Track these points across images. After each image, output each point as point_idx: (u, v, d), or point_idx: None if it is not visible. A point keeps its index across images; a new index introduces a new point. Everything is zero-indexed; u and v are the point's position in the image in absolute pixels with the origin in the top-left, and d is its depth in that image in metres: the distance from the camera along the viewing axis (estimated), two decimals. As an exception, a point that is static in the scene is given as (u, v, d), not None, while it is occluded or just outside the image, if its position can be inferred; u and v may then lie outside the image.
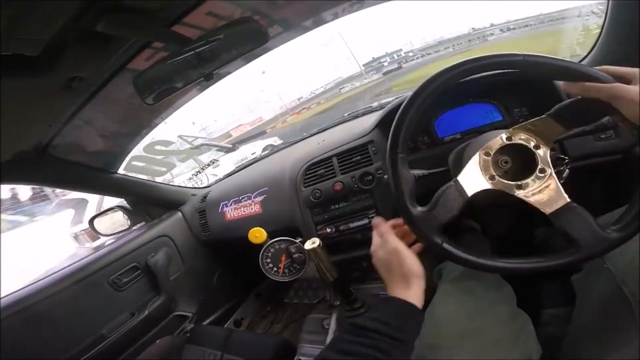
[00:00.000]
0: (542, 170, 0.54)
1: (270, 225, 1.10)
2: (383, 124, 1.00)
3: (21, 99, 0.67)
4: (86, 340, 1.07)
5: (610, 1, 0.79)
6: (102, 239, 1.82)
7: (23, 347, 0.97)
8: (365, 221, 1.01)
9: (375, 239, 0.67)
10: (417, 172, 0.80)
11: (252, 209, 1.22)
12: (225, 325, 1.55)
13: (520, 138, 0.56)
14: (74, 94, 0.75)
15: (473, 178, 0.56)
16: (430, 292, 0.78)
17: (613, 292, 0.56)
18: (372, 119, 1.07)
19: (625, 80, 0.49)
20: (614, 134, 0.76)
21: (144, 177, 1.38)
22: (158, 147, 1.63)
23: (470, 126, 0.93)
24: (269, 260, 1.07)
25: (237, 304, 1.65)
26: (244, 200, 1.24)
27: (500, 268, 0.55)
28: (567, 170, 0.65)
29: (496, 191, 0.56)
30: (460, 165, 0.75)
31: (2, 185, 0.95)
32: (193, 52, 0.72)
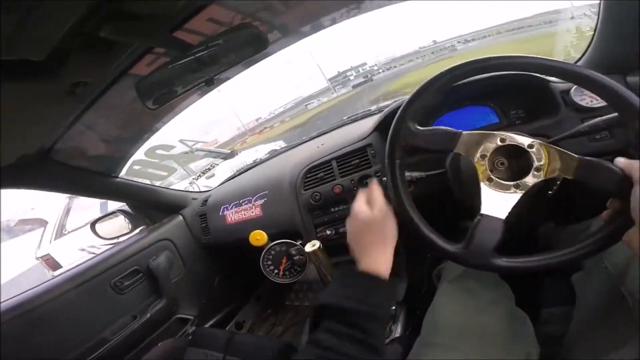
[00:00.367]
0: (517, 187, 0.55)
1: (270, 228, 1.12)
2: (381, 127, 1.02)
3: (25, 103, 0.68)
4: (88, 343, 1.08)
5: (602, 1, 0.79)
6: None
7: (24, 350, 0.97)
8: None
9: (361, 202, 0.66)
10: (415, 174, 0.81)
11: (252, 212, 1.23)
12: (227, 328, 1.55)
13: (537, 153, 0.55)
14: (77, 99, 0.77)
15: (471, 144, 0.58)
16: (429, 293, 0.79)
17: (611, 291, 0.57)
18: (370, 123, 1.08)
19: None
20: (608, 134, 0.78)
21: (146, 181, 1.38)
22: (159, 152, 1.64)
23: (467, 128, 0.93)
24: (269, 262, 1.08)
25: (238, 307, 1.65)
26: (245, 204, 1.25)
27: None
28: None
29: (471, 170, 0.58)
30: (458, 174, 0.77)
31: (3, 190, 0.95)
32: (194, 57, 0.74)
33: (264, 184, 1.24)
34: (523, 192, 0.54)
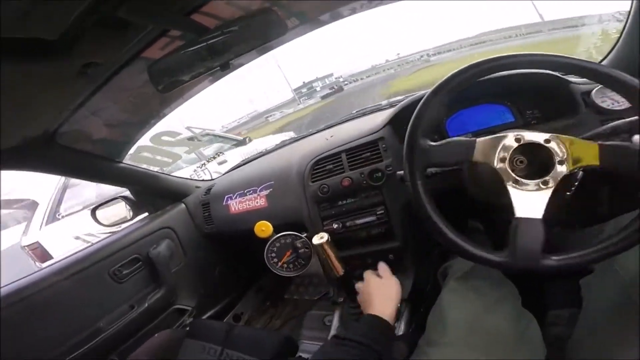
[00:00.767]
0: (545, 183, 0.54)
1: (275, 219, 1.10)
2: (395, 121, 1.01)
3: (33, 83, 0.66)
4: (83, 332, 1.07)
5: (635, 1, 0.78)
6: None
7: (20, 338, 0.96)
8: (373, 218, 1.02)
9: (372, 273, 0.93)
10: (430, 169, 0.81)
11: (257, 202, 1.22)
12: (225, 320, 1.55)
13: (555, 146, 0.55)
14: (87, 81, 0.75)
15: (487, 149, 0.58)
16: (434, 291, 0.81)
17: (621, 296, 0.57)
18: (381, 117, 1.07)
19: None
20: (629, 138, 0.78)
21: (149, 168, 1.37)
22: (165, 138, 1.62)
23: (481, 126, 0.94)
24: (274, 254, 1.08)
25: (237, 299, 1.65)
26: (250, 194, 1.24)
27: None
28: (580, 172, 0.65)
29: (494, 175, 0.57)
30: (475, 170, 0.77)
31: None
32: (210, 41, 0.73)
33: (270, 174, 1.23)
34: (553, 187, 0.54)
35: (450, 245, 0.60)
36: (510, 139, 0.57)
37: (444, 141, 0.60)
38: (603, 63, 0.91)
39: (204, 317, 1.47)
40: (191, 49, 0.74)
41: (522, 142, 0.56)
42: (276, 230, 1.07)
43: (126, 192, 1.36)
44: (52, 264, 1.10)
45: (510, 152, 0.57)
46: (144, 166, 1.31)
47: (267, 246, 1.04)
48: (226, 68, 0.75)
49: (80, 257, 1.13)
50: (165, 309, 1.30)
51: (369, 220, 1.03)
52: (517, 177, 0.55)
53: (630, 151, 0.52)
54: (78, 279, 1.09)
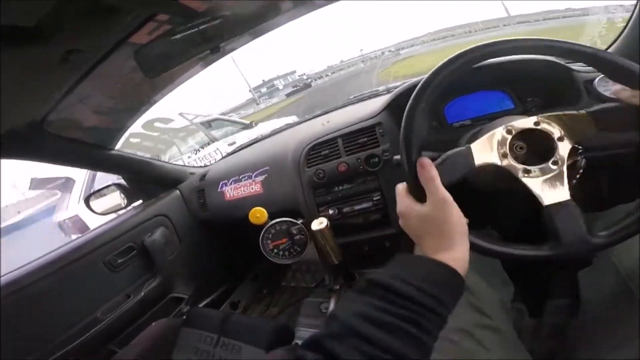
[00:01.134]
0: (555, 163, 0.53)
1: (270, 205, 1.10)
2: (392, 107, 1.00)
3: (16, 71, 0.64)
4: (80, 323, 1.07)
5: None
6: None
7: (15, 329, 0.96)
8: (369, 204, 1.02)
9: (403, 196, 0.57)
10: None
11: (252, 188, 1.21)
12: (221, 308, 1.55)
13: (548, 126, 0.54)
14: (71, 68, 0.73)
15: (485, 150, 0.55)
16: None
17: (619, 288, 0.57)
18: (379, 102, 1.06)
19: None
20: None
21: (142, 154, 1.37)
22: (157, 125, 1.61)
23: (480, 113, 0.93)
24: (269, 241, 1.08)
25: (234, 287, 1.65)
26: (244, 180, 1.23)
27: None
28: (584, 160, 0.64)
29: (502, 172, 0.55)
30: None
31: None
32: (199, 25, 0.72)
33: (265, 159, 1.22)
34: (565, 165, 0.53)
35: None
36: (500, 134, 0.55)
37: (439, 160, 0.56)
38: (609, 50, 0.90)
39: (201, 305, 1.47)
40: (180, 33, 0.73)
41: (513, 132, 0.55)
42: (272, 216, 1.08)
43: (120, 180, 1.35)
44: (46, 255, 1.10)
45: (508, 144, 0.55)
46: (138, 153, 1.31)
47: (262, 233, 1.04)
48: (217, 52, 0.74)
49: (75, 246, 1.13)
50: (162, 298, 1.30)
51: (365, 207, 1.03)
52: (527, 167, 0.54)
53: (619, 107, 0.52)
54: (73, 269, 1.08)
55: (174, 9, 0.70)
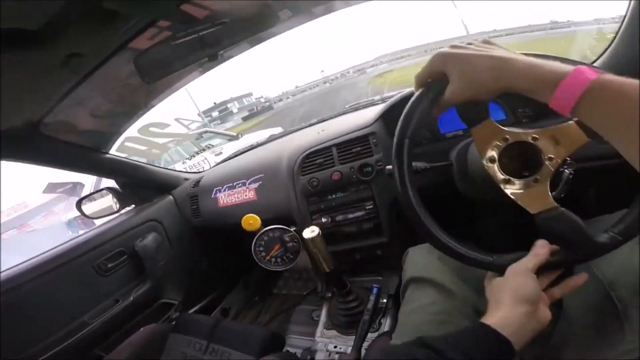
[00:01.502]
0: (537, 180, 0.54)
1: (264, 212, 1.11)
2: (386, 117, 1.02)
3: (16, 73, 0.66)
4: (67, 326, 1.07)
5: (632, 1, 0.78)
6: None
7: (3, 331, 0.95)
8: (362, 212, 1.04)
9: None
10: (420, 164, 0.83)
11: (246, 195, 1.22)
12: (212, 315, 1.55)
13: (544, 143, 0.55)
14: (70, 71, 0.75)
15: (480, 145, 0.56)
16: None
17: (601, 297, 0.58)
18: (373, 112, 1.09)
19: None
20: None
21: (137, 159, 1.38)
22: (153, 129, 1.62)
23: None
24: (262, 248, 1.09)
25: (225, 293, 1.65)
26: (238, 187, 1.24)
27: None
28: (567, 172, 0.65)
29: (487, 180, 0.56)
30: (464, 164, 0.79)
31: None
32: (199, 32, 0.74)
33: (260, 167, 1.24)
34: (547, 182, 0.54)
35: (457, 257, 0.57)
36: (500, 137, 0.56)
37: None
38: (596, 63, 0.93)
39: (191, 311, 1.47)
40: (180, 39, 0.75)
41: (509, 140, 0.56)
42: (265, 223, 1.08)
43: (113, 184, 1.35)
44: (36, 257, 1.09)
45: (499, 152, 0.56)
46: (132, 158, 1.31)
47: (254, 239, 1.05)
48: (215, 59, 0.76)
49: (65, 249, 1.13)
50: (151, 303, 1.30)
51: (358, 215, 1.05)
52: (509, 178, 0.55)
53: None
54: (62, 272, 1.08)
55: (174, 15, 0.73)
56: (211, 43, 0.75)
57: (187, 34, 0.76)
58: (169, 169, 1.53)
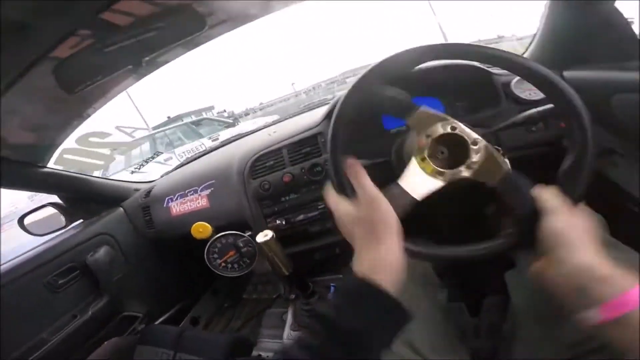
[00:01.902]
0: (469, 167, 0.55)
1: (218, 219, 1.11)
2: (331, 115, 1.03)
3: None
4: (25, 344, 1.03)
5: (548, 1, 0.85)
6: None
7: None
8: (316, 212, 1.04)
9: (332, 196, 0.57)
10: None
11: (199, 203, 1.20)
12: (181, 324, 1.53)
13: (464, 131, 0.57)
14: None
15: (419, 181, 0.57)
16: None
17: (540, 292, 0.61)
18: (322, 111, 1.09)
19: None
20: (544, 126, 0.84)
21: (79, 171, 1.32)
22: (93, 139, 1.55)
23: None
24: (215, 255, 1.08)
25: (192, 302, 1.63)
26: (190, 195, 1.22)
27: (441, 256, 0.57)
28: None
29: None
30: (401, 158, 0.80)
31: None
32: (123, 40, 0.71)
33: (211, 173, 1.22)
34: (445, 182, 0.56)
35: None
36: (446, 125, 0.57)
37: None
38: (525, 55, 0.97)
39: (158, 322, 1.44)
40: (103, 48, 0.73)
41: (455, 131, 0.57)
42: (219, 230, 1.07)
43: (56, 199, 1.30)
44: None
45: (437, 135, 0.57)
46: (73, 170, 1.26)
47: (207, 247, 1.04)
48: (139, 67, 0.73)
49: (11, 266, 1.08)
50: (112, 317, 1.27)
51: (312, 215, 1.05)
52: (426, 157, 0.57)
53: (524, 198, 0.52)
54: (11, 290, 1.04)
55: (93, 24, 0.70)
56: (137, 50, 0.72)
57: (112, 42, 0.73)
58: (116, 180, 1.49)
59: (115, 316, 1.29)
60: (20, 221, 1.23)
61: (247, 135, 1.46)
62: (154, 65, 0.85)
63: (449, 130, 0.57)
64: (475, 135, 0.56)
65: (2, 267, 1.08)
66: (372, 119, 0.99)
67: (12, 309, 1.03)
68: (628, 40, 0.81)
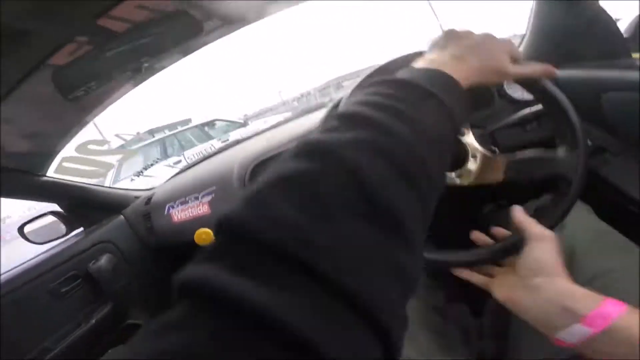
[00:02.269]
0: (460, 176, 0.56)
1: None
2: None
3: None
4: (29, 353, 1.03)
5: (535, 1, 0.86)
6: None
7: None
8: None
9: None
10: None
11: (200, 209, 1.20)
12: None
13: (469, 140, 0.58)
14: None
15: None
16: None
17: None
18: (319, 116, 1.09)
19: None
20: (537, 125, 0.84)
21: (79, 179, 1.32)
22: (92, 147, 1.55)
23: None
24: (218, 261, 1.07)
25: None
26: (191, 201, 1.22)
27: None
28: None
29: None
30: None
31: None
32: (119, 46, 0.71)
33: (211, 179, 1.22)
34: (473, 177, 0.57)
35: None
36: None
37: None
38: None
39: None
40: (101, 54, 0.72)
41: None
42: (221, 236, 1.07)
43: (56, 206, 1.30)
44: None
45: None
46: (73, 178, 1.26)
47: (209, 254, 1.03)
48: (138, 72, 0.73)
49: (13, 275, 1.08)
50: (117, 325, 1.27)
51: None
52: None
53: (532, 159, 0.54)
54: (14, 299, 1.04)
55: (90, 31, 0.69)
56: (135, 56, 0.72)
57: (110, 48, 0.73)
58: (116, 188, 1.48)
59: (119, 324, 1.29)
60: (21, 229, 1.22)
61: (244, 141, 1.45)
62: (152, 71, 0.85)
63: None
64: (478, 147, 0.57)
65: (3, 276, 1.08)
66: None
67: (16, 318, 1.03)
68: (614, 38, 0.81)
